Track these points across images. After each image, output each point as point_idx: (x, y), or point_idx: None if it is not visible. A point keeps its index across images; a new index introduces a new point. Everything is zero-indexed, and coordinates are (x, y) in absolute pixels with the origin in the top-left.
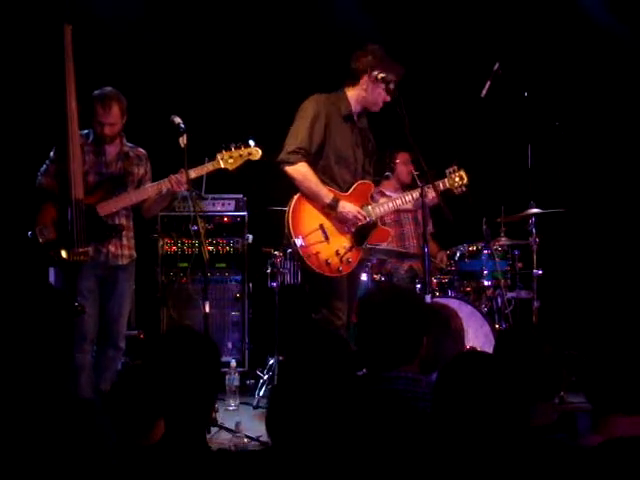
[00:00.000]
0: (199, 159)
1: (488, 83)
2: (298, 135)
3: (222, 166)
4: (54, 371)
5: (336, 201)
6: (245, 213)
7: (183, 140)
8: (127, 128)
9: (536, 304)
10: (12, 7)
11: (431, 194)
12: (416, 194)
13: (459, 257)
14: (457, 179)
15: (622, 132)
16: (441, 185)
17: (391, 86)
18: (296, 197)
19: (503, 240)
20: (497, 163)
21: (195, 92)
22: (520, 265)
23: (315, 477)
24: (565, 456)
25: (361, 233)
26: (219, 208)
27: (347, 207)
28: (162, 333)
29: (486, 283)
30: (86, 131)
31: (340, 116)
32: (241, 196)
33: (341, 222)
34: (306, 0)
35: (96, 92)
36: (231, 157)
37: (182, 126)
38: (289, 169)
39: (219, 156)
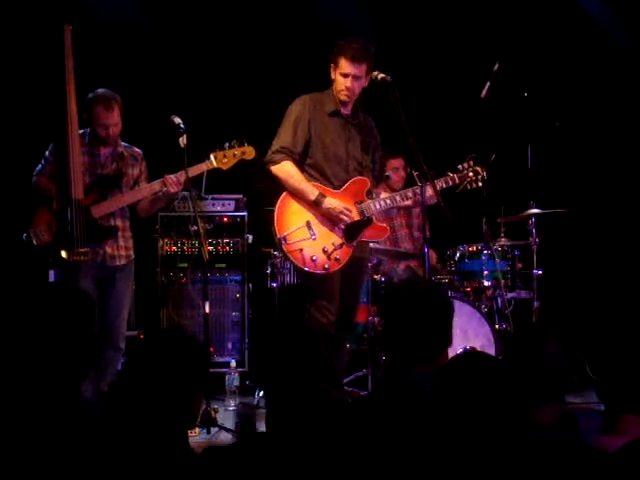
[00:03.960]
0: (199, 159)
1: (488, 83)
2: (281, 135)
3: (216, 166)
4: (73, 370)
5: (322, 198)
6: (245, 213)
7: (183, 140)
8: (127, 128)
9: (536, 304)
10: (12, 7)
11: (429, 192)
12: (418, 190)
13: (459, 257)
14: (471, 174)
15: (622, 132)
16: (450, 181)
17: (346, 70)
18: (283, 194)
19: (503, 240)
20: (497, 163)
21: (195, 92)
22: (520, 265)
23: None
24: (574, 456)
25: (353, 230)
26: (219, 208)
27: (333, 204)
28: (148, 335)
29: (486, 283)
30: (82, 131)
31: (326, 113)
32: (241, 196)
33: (329, 219)
34: (306, 3)
35: (92, 95)
36: (225, 157)
37: (182, 126)
38: (273, 168)
39: (213, 156)
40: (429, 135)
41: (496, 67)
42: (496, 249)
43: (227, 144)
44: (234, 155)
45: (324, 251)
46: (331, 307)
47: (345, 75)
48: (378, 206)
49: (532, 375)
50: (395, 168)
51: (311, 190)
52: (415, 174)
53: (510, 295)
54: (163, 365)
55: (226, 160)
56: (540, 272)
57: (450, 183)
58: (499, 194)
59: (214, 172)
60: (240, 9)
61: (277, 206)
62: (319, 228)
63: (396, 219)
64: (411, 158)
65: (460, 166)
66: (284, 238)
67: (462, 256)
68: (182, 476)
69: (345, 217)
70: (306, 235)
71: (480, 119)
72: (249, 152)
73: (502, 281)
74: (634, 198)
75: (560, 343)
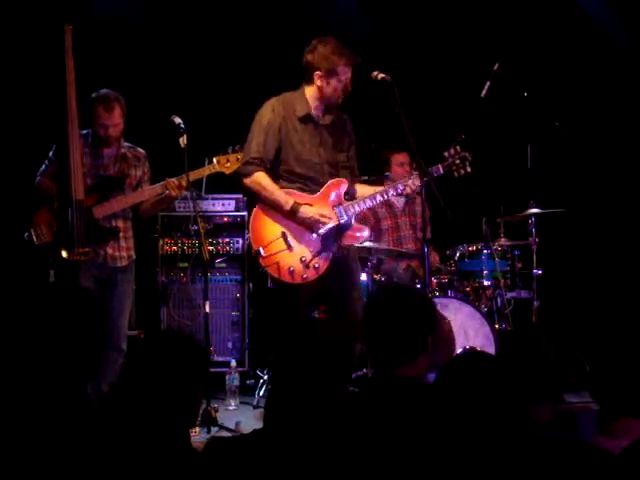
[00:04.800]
0: (199, 159)
1: (488, 83)
2: (252, 144)
3: (219, 170)
4: (80, 371)
5: (297, 207)
6: (245, 213)
7: (183, 140)
8: (127, 128)
9: (536, 304)
10: (13, 7)
11: (414, 183)
12: (400, 187)
13: (459, 257)
14: (457, 161)
15: (622, 132)
16: (434, 173)
17: (345, 77)
18: (256, 207)
19: (503, 240)
20: (497, 163)
21: (195, 92)
22: (520, 265)
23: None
24: (573, 454)
25: (331, 236)
26: (219, 208)
27: (309, 212)
28: (147, 336)
29: (486, 283)
30: (85, 131)
31: (297, 118)
32: (241, 196)
33: (306, 228)
34: (307, 2)
35: (94, 95)
36: (228, 161)
37: (182, 126)
38: (246, 181)
39: (216, 160)
40: (429, 135)
41: (496, 67)
42: (496, 249)
43: (230, 148)
44: (237, 159)
45: (302, 261)
46: (305, 315)
47: (345, 80)
48: (358, 208)
49: (527, 374)
50: (401, 163)
51: (285, 200)
52: (415, 173)
53: (510, 295)
54: (162, 366)
55: (229, 165)
56: (540, 272)
57: (434, 175)
58: (499, 194)
59: (215, 173)
60: (241, 11)
61: (251, 220)
62: (295, 238)
63: (401, 218)
64: (412, 156)
65: (446, 153)
66: (259, 251)
67: (462, 256)
68: (186, 474)
69: (321, 225)
70: (282, 247)
71: (480, 119)
72: None
73: (502, 281)
74: (634, 198)
75: (554, 343)
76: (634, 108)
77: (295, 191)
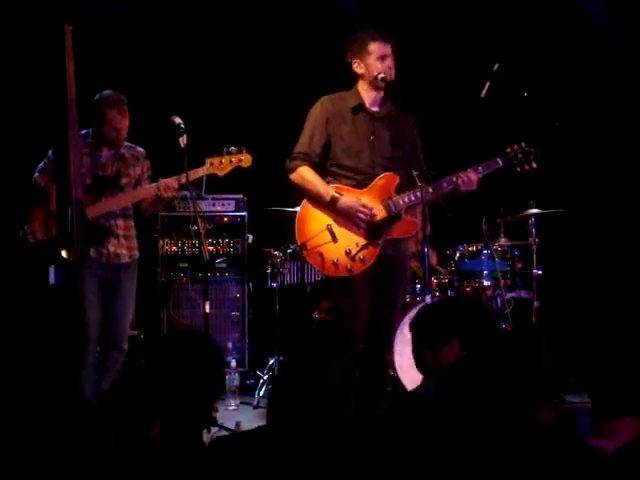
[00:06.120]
0: (199, 160)
1: (488, 83)
2: (300, 140)
3: (212, 172)
4: (61, 371)
5: (336, 198)
6: (245, 213)
7: (183, 140)
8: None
9: (536, 304)
10: (13, 7)
11: (469, 177)
12: (454, 178)
13: (459, 257)
14: (520, 155)
15: (622, 132)
16: (491, 165)
17: (380, 52)
18: (303, 201)
19: (503, 240)
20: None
21: (195, 93)
22: (520, 265)
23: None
24: (571, 455)
25: (377, 228)
26: (219, 208)
27: (347, 203)
28: (164, 334)
29: (486, 283)
30: (84, 131)
31: (349, 109)
32: (241, 196)
33: (350, 220)
34: (309, 2)
35: (104, 99)
36: (222, 163)
37: (182, 126)
38: (291, 176)
39: (209, 161)
40: (429, 135)
41: (496, 67)
42: (496, 249)
43: (225, 149)
44: (230, 162)
45: (347, 253)
46: (355, 317)
47: (383, 57)
48: (407, 200)
49: (528, 375)
50: None
51: (326, 191)
52: (415, 174)
53: (510, 295)
54: (188, 370)
55: (222, 166)
56: (540, 272)
57: (490, 168)
58: (499, 194)
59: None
60: (242, 10)
61: (298, 214)
62: (341, 230)
63: None
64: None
65: (508, 148)
66: (303, 245)
67: (462, 256)
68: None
69: (362, 215)
70: (327, 239)
71: (480, 119)
72: (246, 160)
73: (502, 281)
74: (634, 198)
75: (551, 345)
76: (634, 108)
77: (345, 187)
